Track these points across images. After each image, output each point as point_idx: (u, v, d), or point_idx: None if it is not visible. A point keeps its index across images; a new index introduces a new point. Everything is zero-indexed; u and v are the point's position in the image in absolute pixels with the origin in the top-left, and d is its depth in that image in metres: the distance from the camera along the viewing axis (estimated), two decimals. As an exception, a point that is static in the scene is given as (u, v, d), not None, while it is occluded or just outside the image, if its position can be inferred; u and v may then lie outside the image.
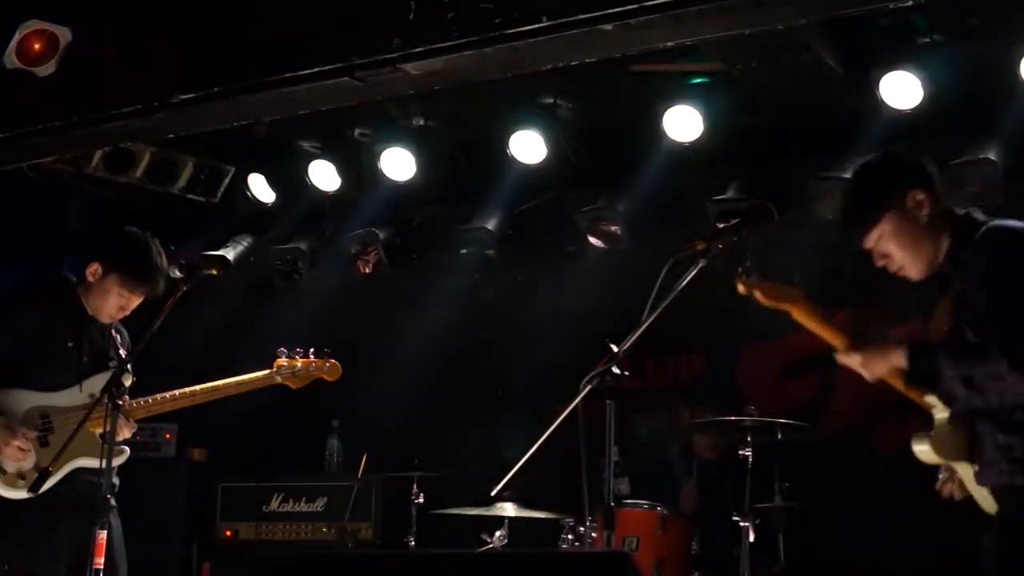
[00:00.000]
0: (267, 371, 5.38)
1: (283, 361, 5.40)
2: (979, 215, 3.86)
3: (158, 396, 5.20)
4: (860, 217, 3.93)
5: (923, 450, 3.83)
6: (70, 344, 5.09)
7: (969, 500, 3.88)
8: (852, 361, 3.90)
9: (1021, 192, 6.15)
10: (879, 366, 3.86)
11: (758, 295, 3.97)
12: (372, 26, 5.15)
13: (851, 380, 4.03)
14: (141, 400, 5.13)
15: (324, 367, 5.50)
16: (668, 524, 5.95)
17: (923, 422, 3.93)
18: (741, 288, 3.98)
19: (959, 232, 3.82)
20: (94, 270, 5.10)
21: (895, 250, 3.88)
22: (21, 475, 4.94)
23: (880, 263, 3.95)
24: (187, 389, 5.24)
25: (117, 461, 4.87)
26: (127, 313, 5.16)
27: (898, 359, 3.79)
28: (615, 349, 3.58)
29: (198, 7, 5.77)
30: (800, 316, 4.00)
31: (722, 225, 3.78)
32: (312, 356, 5.46)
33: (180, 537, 7.40)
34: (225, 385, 5.29)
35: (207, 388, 5.26)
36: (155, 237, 5.16)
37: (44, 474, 4.60)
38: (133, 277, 5.05)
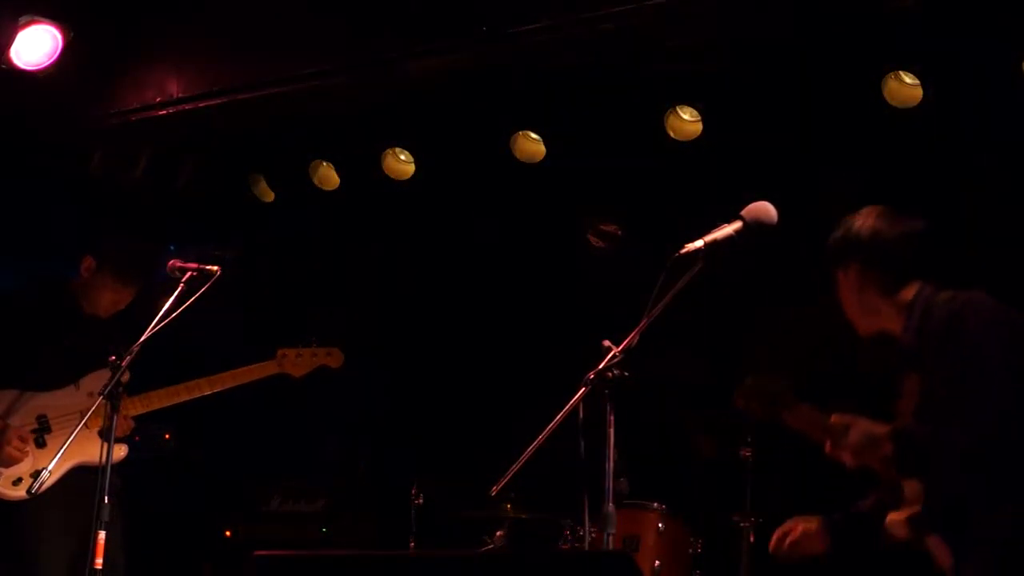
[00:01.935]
0: (269, 360, 5.38)
1: (285, 350, 5.39)
2: (928, 290, 3.88)
3: (160, 391, 5.19)
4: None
5: (900, 528, 3.83)
6: (66, 342, 5.09)
7: None
8: (842, 455, 3.86)
9: (1021, 192, 6.15)
10: (867, 456, 3.81)
11: (755, 405, 4.05)
12: (372, 26, 5.16)
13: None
14: (140, 396, 5.13)
15: (327, 353, 5.50)
16: (668, 524, 5.95)
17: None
18: (741, 404, 4.07)
19: (914, 307, 3.85)
20: (88, 265, 5.10)
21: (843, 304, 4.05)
22: (19, 476, 4.93)
23: None
24: (188, 383, 5.22)
25: (115, 458, 4.87)
26: (123, 307, 5.15)
27: (885, 447, 3.75)
28: (614, 349, 3.58)
29: (198, 7, 5.78)
30: (793, 417, 4.02)
31: (722, 225, 3.77)
32: (314, 344, 5.47)
33: (180, 537, 7.40)
34: (226, 377, 5.28)
35: (208, 381, 5.25)
36: (145, 230, 5.16)
37: (42, 475, 4.60)
38: (127, 269, 5.05)
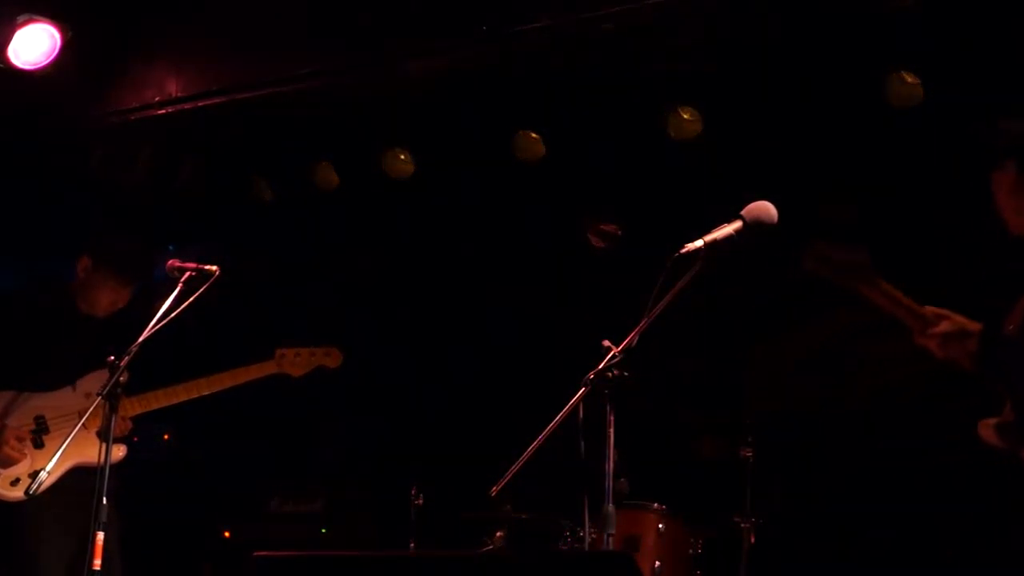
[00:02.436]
0: (268, 360, 5.39)
1: (284, 350, 5.41)
2: None
3: (159, 391, 5.19)
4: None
5: (990, 433, 3.77)
6: (63, 343, 5.08)
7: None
8: (929, 342, 3.85)
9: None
10: (954, 348, 3.82)
11: (827, 270, 3.93)
12: (373, 26, 5.15)
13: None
14: (138, 397, 5.12)
15: (325, 353, 5.52)
16: (668, 524, 5.94)
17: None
18: (808, 265, 3.95)
19: None
20: (84, 264, 5.10)
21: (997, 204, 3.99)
22: (17, 477, 4.93)
23: None
24: (187, 383, 5.22)
25: (114, 459, 4.87)
26: (122, 305, 5.15)
27: (972, 344, 3.76)
28: (614, 349, 3.58)
29: (198, 7, 5.77)
30: (872, 291, 3.92)
31: (722, 225, 3.76)
32: (313, 344, 5.49)
33: (180, 537, 7.39)
34: (225, 377, 5.28)
35: (207, 381, 5.25)
36: (145, 229, 5.17)
37: (40, 476, 4.59)
38: (124, 265, 5.05)
